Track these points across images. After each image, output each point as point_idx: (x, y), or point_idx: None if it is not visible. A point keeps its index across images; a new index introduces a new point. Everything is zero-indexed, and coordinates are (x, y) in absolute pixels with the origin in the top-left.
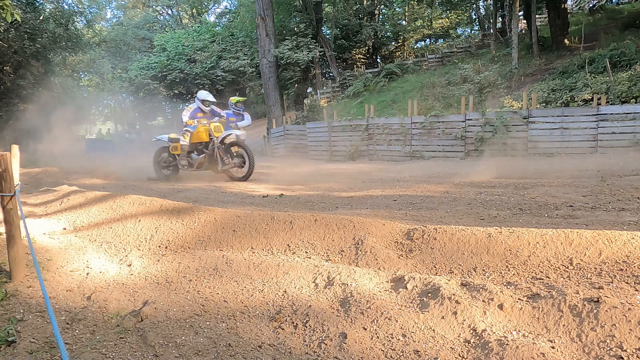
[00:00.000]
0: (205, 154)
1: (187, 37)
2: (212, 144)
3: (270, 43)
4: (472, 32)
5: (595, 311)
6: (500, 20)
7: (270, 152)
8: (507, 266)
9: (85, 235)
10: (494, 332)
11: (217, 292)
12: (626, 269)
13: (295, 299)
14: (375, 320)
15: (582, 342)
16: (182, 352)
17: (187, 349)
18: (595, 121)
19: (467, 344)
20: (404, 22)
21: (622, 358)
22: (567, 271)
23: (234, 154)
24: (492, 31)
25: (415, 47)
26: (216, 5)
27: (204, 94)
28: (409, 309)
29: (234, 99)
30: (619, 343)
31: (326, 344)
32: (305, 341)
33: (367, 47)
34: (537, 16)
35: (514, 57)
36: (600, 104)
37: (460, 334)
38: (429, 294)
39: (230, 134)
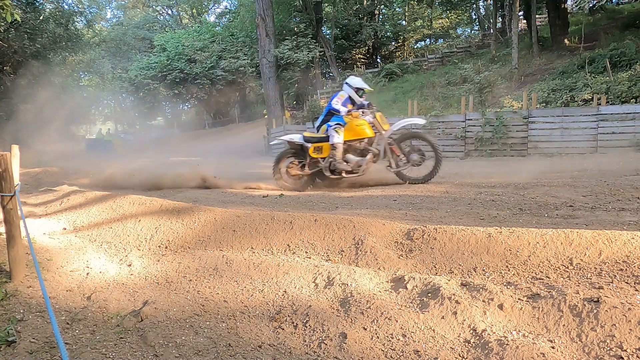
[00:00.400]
0: (371, 154)
1: (187, 37)
2: (378, 139)
3: (270, 43)
4: (472, 32)
5: (595, 311)
6: (500, 20)
7: (270, 152)
8: (507, 266)
9: (85, 235)
10: (494, 332)
11: (217, 292)
12: (626, 269)
13: (295, 299)
14: (375, 320)
15: (582, 342)
16: (182, 352)
17: (187, 349)
18: (595, 121)
19: (467, 344)
20: (404, 22)
21: (622, 358)
22: (567, 271)
23: (407, 150)
24: (492, 31)
25: (415, 47)
26: (216, 5)
27: (357, 81)
28: (409, 309)
29: None
30: (619, 343)
31: (326, 344)
32: (305, 341)
33: (367, 47)
34: (537, 16)
35: (514, 57)
36: (600, 104)
37: (460, 334)
38: (429, 294)
39: (405, 125)
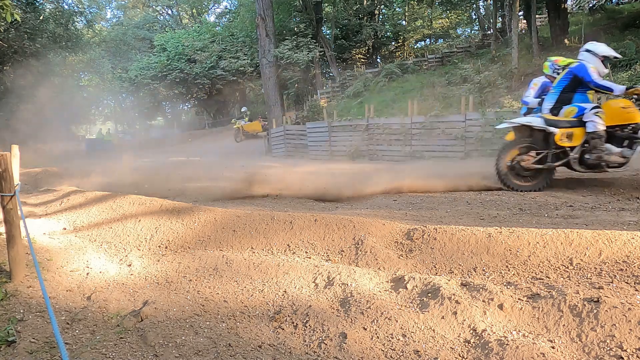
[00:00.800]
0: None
1: (187, 37)
2: None
3: (270, 43)
4: (472, 32)
5: (595, 311)
6: (500, 20)
7: (270, 152)
8: (507, 266)
9: (85, 235)
10: (494, 332)
11: (217, 292)
12: (626, 269)
13: (295, 299)
14: (375, 320)
15: (582, 342)
16: (182, 352)
17: (187, 349)
18: None
19: (467, 344)
20: (404, 22)
21: (622, 358)
22: (567, 271)
23: None
24: (492, 31)
25: (415, 47)
26: (216, 5)
27: (603, 48)
28: (409, 309)
29: (562, 60)
30: (619, 343)
31: (326, 344)
32: (305, 341)
33: (367, 47)
34: (537, 16)
35: (514, 57)
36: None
37: (460, 334)
38: (429, 294)
39: None
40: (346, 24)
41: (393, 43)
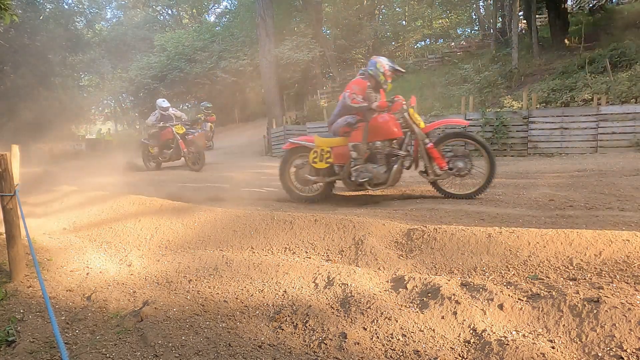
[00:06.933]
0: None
1: (187, 37)
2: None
3: (270, 43)
4: (472, 32)
5: (595, 311)
6: (500, 20)
7: (270, 152)
8: (507, 266)
9: (85, 235)
10: (494, 332)
11: (217, 292)
12: (626, 269)
13: (295, 299)
14: (375, 320)
15: (582, 342)
16: (182, 352)
17: (187, 349)
18: (595, 121)
19: (467, 344)
20: (404, 22)
21: (622, 358)
22: (567, 271)
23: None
24: (492, 31)
25: (415, 47)
26: (216, 5)
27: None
28: (409, 309)
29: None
30: (619, 343)
31: (326, 344)
32: (305, 341)
33: (367, 47)
34: (537, 16)
35: (514, 57)
36: (600, 104)
37: (460, 334)
38: (429, 294)
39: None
40: (346, 24)
41: (393, 43)
